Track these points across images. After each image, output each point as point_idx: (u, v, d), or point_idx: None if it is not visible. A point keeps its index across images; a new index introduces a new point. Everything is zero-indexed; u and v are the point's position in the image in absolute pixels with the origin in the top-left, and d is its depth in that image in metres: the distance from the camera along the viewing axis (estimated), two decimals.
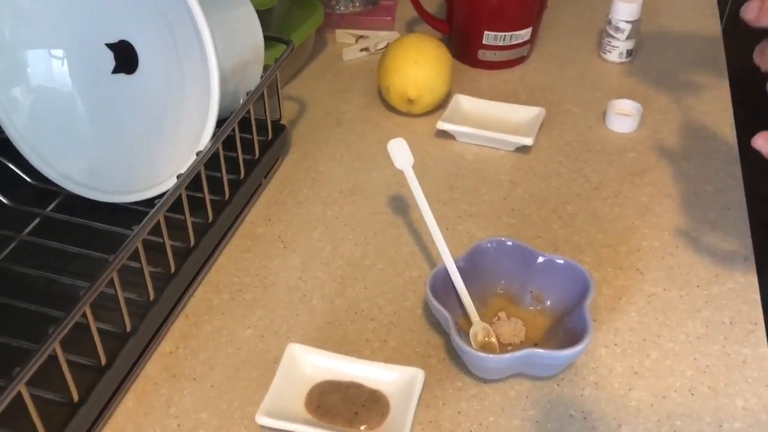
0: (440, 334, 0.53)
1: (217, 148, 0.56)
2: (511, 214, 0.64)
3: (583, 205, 0.65)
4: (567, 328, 0.50)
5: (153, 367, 0.52)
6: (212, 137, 0.54)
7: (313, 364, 0.50)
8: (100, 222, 0.57)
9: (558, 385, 0.50)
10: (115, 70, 0.58)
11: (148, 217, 0.48)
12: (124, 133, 0.58)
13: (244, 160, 0.62)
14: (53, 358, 0.42)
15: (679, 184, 0.67)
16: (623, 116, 0.73)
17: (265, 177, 0.67)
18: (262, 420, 0.46)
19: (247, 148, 0.63)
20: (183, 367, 0.52)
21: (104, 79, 0.58)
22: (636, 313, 0.55)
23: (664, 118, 0.75)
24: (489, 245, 0.54)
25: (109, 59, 0.58)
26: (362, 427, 0.47)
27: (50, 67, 0.58)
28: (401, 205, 0.65)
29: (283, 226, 0.64)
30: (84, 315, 0.44)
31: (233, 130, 0.59)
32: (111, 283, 0.46)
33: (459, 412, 0.48)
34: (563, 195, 0.66)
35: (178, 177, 0.51)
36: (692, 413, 0.48)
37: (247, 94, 0.60)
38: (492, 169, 0.69)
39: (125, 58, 0.57)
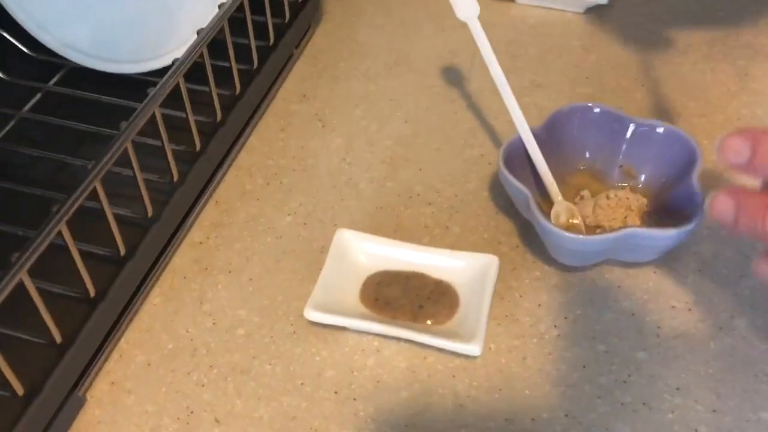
0: (511, 217, 0.46)
1: (242, 5, 0.47)
2: (586, 83, 0.55)
3: (669, 70, 0.55)
4: (667, 206, 0.42)
5: (182, 260, 0.45)
6: None
7: (367, 252, 0.43)
8: (111, 96, 0.49)
9: (655, 272, 0.42)
10: None
11: (166, 77, 0.40)
12: None
13: (273, 23, 0.52)
14: (63, 248, 0.35)
15: None
16: None
17: (296, 47, 0.58)
18: (311, 315, 0.39)
19: (276, 10, 0.54)
20: (216, 259, 0.45)
21: None
22: None
23: None
24: (571, 112, 0.45)
25: None
26: (428, 322, 0.40)
27: None
28: (456, 76, 0.56)
29: (320, 102, 0.55)
30: (96, 197, 0.36)
31: None
32: (128, 163, 0.39)
33: (539, 305, 0.41)
34: (645, 60, 0.56)
35: (198, 33, 0.42)
36: None
37: None
38: (560, 34, 0.59)
39: None
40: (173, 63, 0.41)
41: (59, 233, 0.34)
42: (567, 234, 0.39)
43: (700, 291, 0.41)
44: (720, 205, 0.33)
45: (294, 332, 0.41)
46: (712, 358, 0.38)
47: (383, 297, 0.40)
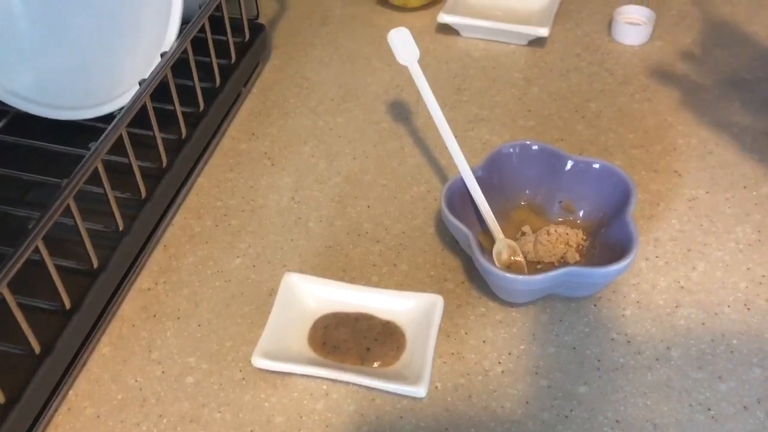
0: (456, 254, 0.47)
1: (186, 50, 0.47)
2: (528, 115, 0.56)
3: (608, 102, 0.57)
4: (605, 241, 0.44)
5: (129, 307, 0.45)
6: (178, 36, 0.46)
7: (314, 294, 0.43)
8: (57, 143, 0.49)
9: (595, 305, 0.44)
10: None
11: (107, 131, 0.40)
12: (74, 37, 0.49)
13: (219, 65, 0.53)
14: (2, 304, 0.35)
15: (715, 74, 0.59)
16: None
17: (244, 85, 0.58)
18: (259, 362, 0.40)
19: (222, 51, 0.54)
20: (164, 306, 0.45)
21: None
22: (677, 220, 0.48)
23: (693, 1, 0.66)
24: (511, 150, 0.46)
25: None
26: (375, 364, 0.40)
27: None
28: (402, 112, 0.57)
29: (269, 140, 0.56)
30: (37, 251, 0.36)
31: (204, 30, 0.50)
32: (70, 213, 0.39)
33: (484, 341, 0.42)
34: (585, 92, 0.58)
35: (140, 83, 0.43)
36: (750, 330, 0.42)
37: None
38: (503, 67, 0.61)
39: None
40: (115, 114, 0.41)
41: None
42: (507, 275, 0.40)
43: (639, 322, 0.43)
44: None
45: (243, 378, 0.41)
46: (649, 390, 0.40)
47: (331, 341, 0.41)
